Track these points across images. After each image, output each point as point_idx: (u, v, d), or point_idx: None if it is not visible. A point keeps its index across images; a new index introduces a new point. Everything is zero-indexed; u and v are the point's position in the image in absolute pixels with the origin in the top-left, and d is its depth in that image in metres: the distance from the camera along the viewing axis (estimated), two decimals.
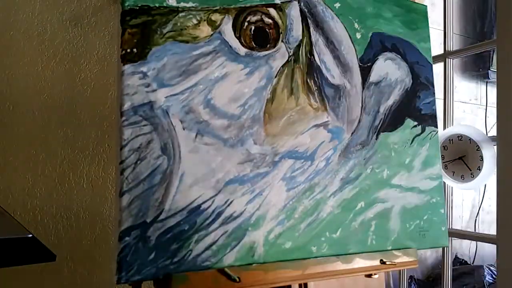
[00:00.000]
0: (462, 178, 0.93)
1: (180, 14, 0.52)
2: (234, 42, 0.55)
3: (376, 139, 0.66)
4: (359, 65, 0.66)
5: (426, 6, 0.76)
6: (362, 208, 0.63)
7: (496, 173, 0.83)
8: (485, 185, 2.00)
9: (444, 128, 1.00)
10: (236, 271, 0.52)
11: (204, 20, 0.53)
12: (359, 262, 0.62)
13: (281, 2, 0.59)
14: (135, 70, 0.49)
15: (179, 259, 0.49)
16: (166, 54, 0.50)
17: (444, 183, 0.97)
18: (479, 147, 0.90)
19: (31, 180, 0.91)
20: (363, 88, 0.66)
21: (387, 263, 0.64)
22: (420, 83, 0.73)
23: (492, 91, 2.30)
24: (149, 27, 0.50)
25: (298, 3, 0.61)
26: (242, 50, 0.55)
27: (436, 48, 0.94)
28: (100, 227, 0.98)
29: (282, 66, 0.58)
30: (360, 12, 0.67)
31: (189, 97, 0.51)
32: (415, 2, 0.75)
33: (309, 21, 0.61)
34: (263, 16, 0.57)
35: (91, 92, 0.98)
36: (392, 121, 0.68)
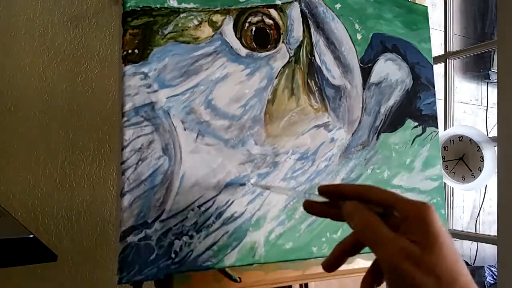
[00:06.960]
0: (463, 178, 0.93)
1: (181, 15, 0.52)
2: (235, 43, 0.55)
3: (377, 139, 0.66)
4: (359, 65, 0.66)
5: (426, 7, 0.76)
6: None
7: (496, 173, 0.83)
8: (486, 186, 2.00)
9: (445, 128, 1.00)
10: (237, 271, 0.52)
11: (205, 21, 0.53)
12: (360, 263, 0.62)
13: (281, 3, 0.59)
14: (136, 71, 0.49)
15: (180, 259, 0.49)
16: (167, 55, 0.50)
17: (445, 183, 0.97)
18: (479, 148, 0.90)
19: (32, 181, 0.92)
20: (363, 88, 0.66)
21: None
22: (421, 83, 0.73)
23: (493, 92, 2.31)
24: (150, 28, 0.50)
25: (299, 4, 0.61)
26: (243, 51, 0.55)
27: (437, 49, 0.94)
28: (101, 228, 0.98)
29: (283, 67, 0.58)
30: (361, 13, 0.67)
31: (190, 97, 0.51)
32: (416, 3, 0.75)
33: (309, 22, 0.61)
34: (264, 17, 0.57)
35: (92, 92, 0.99)
36: (393, 122, 0.68)
